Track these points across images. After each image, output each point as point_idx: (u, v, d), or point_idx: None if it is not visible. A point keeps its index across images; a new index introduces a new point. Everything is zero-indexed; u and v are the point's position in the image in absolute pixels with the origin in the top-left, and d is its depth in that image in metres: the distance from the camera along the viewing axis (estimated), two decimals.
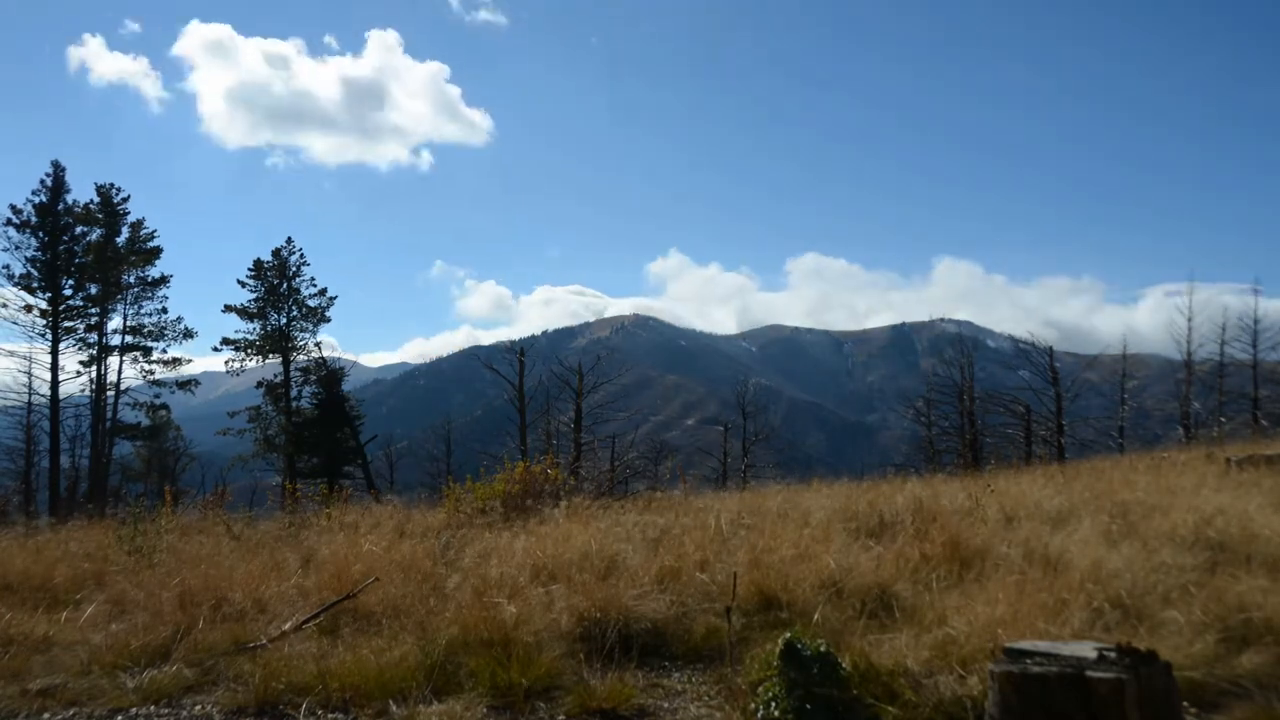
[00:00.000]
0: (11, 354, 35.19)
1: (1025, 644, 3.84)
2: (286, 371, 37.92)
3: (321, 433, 35.75)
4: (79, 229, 36.40)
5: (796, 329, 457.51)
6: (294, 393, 37.72)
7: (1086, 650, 3.63)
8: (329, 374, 36.84)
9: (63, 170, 36.35)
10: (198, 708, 5.06)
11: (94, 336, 36.63)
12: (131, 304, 37.83)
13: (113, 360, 37.08)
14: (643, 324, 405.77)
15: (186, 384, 38.71)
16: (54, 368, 35.22)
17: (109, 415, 36.43)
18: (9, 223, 35.03)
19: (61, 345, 35.64)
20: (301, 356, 37.97)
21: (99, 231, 36.84)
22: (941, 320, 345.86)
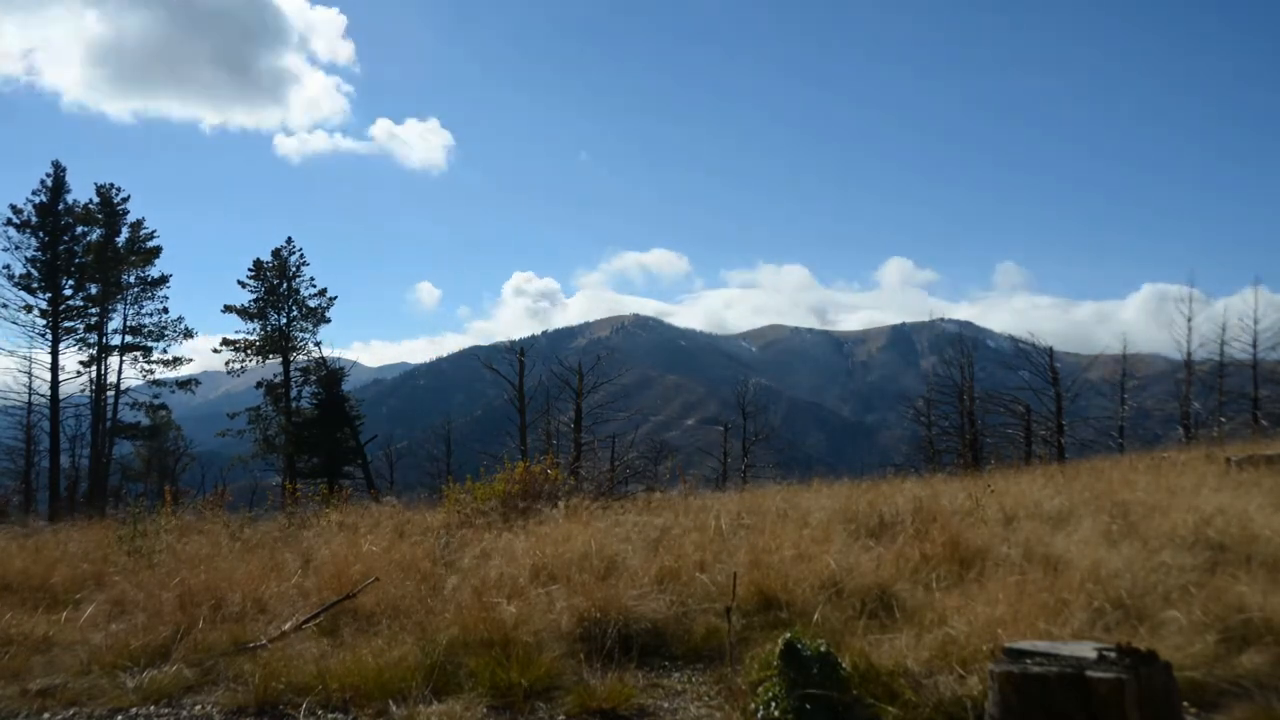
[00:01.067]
0: (11, 354, 35.26)
1: (1025, 644, 3.84)
2: (286, 372, 37.91)
3: (321, 433, 35.75)
4: (79, 229, 36.42)
5: (796, 329, 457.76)
6: (294, 393, 37.73)
7: (1086, 650, 3.63)
8: (329, 374, 36.83)
9: (63, 170, 36.44)
10: (198, 708, 5.06)
11: (94, 336, 36.66)
12: (131, 304, 37.89)
13: (113, 360, 37.13)
14: (643, 324, 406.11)
15: (186, 384, 38.72)
16: (54, 368, 35.24)
17: (109, 415, 36.44)
18: (9, 223, 35.11)
19: (61, 345, 35.68)
20: (301, 356, 37.99)
21: (99, 231, 36.86)
22: (941, 320, 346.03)
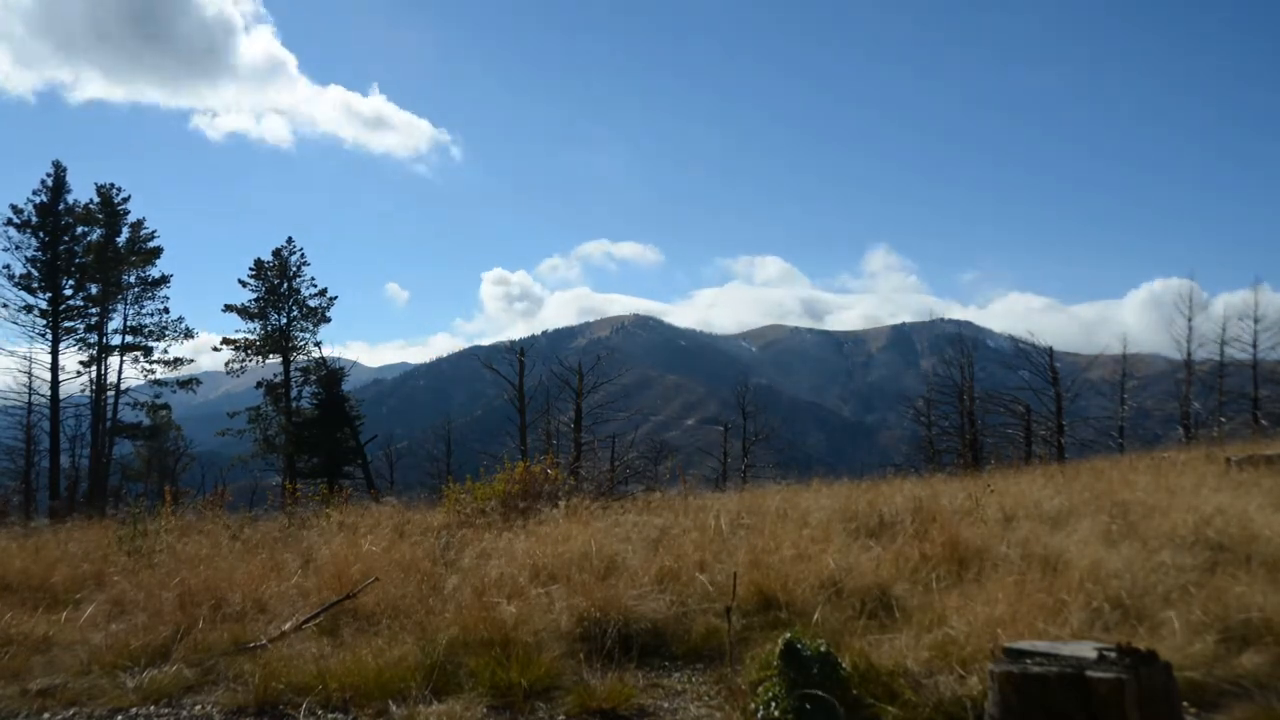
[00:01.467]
0: (11, 354, 35.30)
1: (1025, 644, 3.84)
2: (286, 371, 37.91)
3: (321, 433, 35.75)
4: (79, 229, 36.43)
5: (796, 329, 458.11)
6: (294, 393, 37.73)
7: (1086, 650, 3.63)
8: (329, 374, 36.83)
9: (63, 170, 36.45)
10: (198, 708, 5.06)
11: (94, 336, 36.67)
12: (132, 304, 37.90)
13: (113, 360, 37.16)
14: (642, 324, 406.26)
15: (187, 384, 38.74)
16: (54, 368, 35.25)
17: (109, 415, 36.45)
18: (9, 223, 35.14)
19: (61, 345, 35.70)
20: (301, 356, 38.00)
21: (99, 231, 36.88)
22: (942, 320, 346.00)
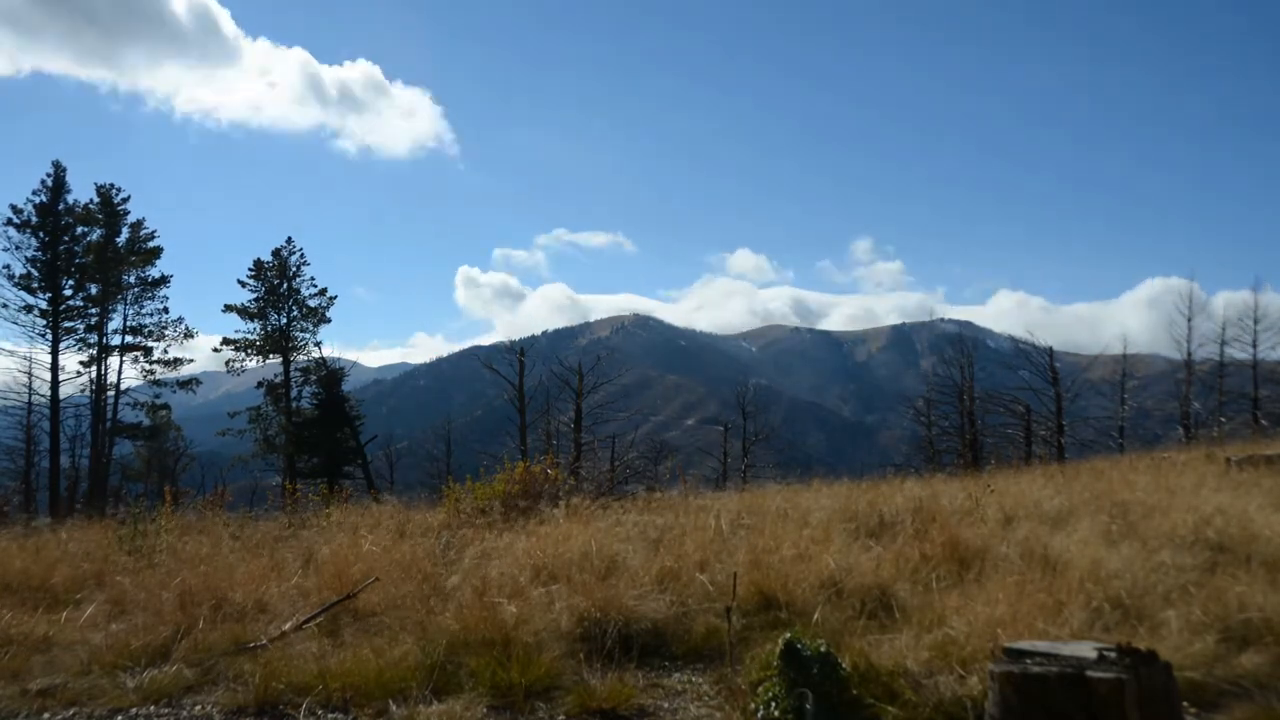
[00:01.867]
0: (11, 354, 35.27)
1: (1025, 644, 3.84)
2: (286, 371, 37.92)
3: (321, 433, 35.74)
4: (79, 229, 36.43)
5: (797, 329, 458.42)
6: (294, 393, 37.73)
7: (1086, 650, 3.63)
8: (329, 374, 36.83)
9: (63, 170, 36.45)
10: (198, 708, 5.06)
11: (94, 336, 36.66)
12: (132, 304, 37.89)
13: (113, 360, 37.14)
14: (643, 324, 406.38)
15: (187, 384, 38.73)
16: (54, 368, 35.24)
17: (109, 415, 36.45)
18: (9, 223, 35.12)
19: (61, 345, 35.67)
20: (302, 356, 38.00)
21: (99, 231, 36.88)
22: (942, 320, 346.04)
